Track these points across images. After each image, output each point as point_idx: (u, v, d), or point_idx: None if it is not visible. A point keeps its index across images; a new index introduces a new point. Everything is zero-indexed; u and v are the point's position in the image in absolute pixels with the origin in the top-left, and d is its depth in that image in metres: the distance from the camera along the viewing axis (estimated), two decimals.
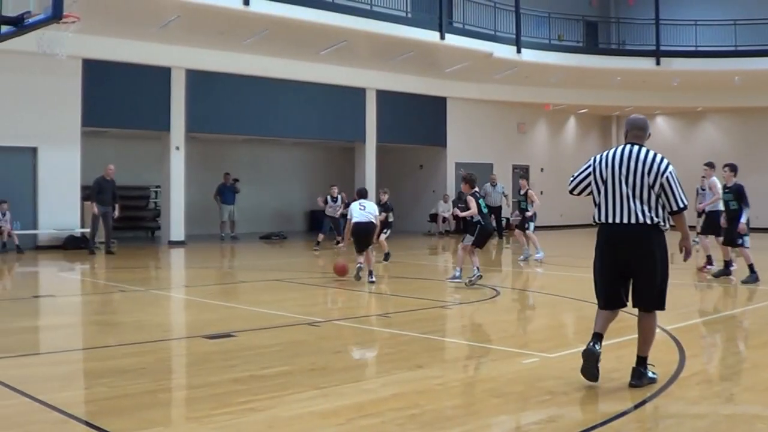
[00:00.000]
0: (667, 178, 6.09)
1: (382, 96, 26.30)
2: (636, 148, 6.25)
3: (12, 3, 8.64)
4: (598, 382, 6.11)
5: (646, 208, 6.09)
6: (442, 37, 23.89)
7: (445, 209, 27.36)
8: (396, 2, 23.31)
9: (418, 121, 27.67)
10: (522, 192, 18.27)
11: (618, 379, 6.56)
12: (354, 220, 13.64)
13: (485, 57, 25.56)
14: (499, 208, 25.80)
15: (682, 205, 6.13)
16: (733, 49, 27.75)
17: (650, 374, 6.30)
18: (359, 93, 25.92)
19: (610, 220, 6.21)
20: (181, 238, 22.07)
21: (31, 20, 8.54)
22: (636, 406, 5.72)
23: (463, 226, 14.17)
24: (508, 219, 26.32)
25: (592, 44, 29.69)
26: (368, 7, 22.37)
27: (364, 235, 13.67)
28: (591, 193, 6.40)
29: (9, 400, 5.77)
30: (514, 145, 30.97)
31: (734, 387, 6.47)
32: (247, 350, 7.72)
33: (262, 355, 7.46)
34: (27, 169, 19.65)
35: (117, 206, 19.23)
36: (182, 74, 21.91)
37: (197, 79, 22.15)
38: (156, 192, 24.67)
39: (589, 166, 6.43)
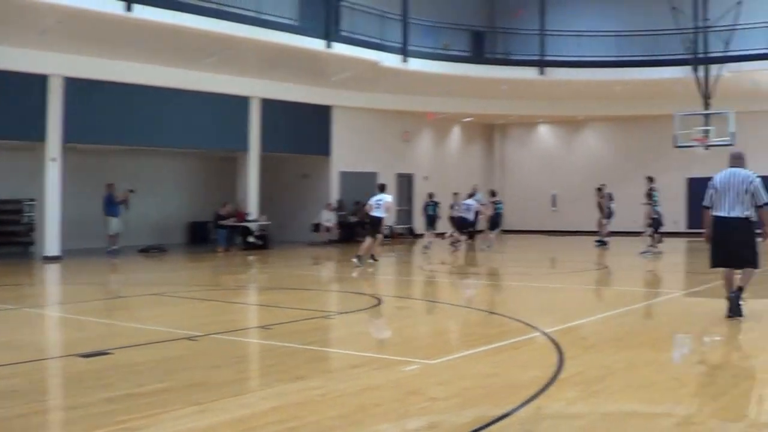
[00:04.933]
0: (755, 186, 9.57)
1: (267, 105, 26.04)
2: (737, 170, 9.80)
3: None
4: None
5: (743, 207, 9.58)
6: (329, 46, 23.88)
7: (329, 218, 27.23)
8: (284, 10, 23.09)
9: (303, 129, 27.49)
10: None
11: (496, 384, 6.64)
12: (371, 213, 18.44)
13: (372, 66, 25.66)
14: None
15: (763, 202, 9.57)
16: (614, 59, 28.64)
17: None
18: (243, 102, 25.60)
19: (722, 215, 9.67)
20: (57, 253, 21.19)
21: None
22: (516, 409, 5.78)
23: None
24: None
25: (478, 54, 30.03)
26: (255, 15, 22.09)
27: (374, 226, 18.45)
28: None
29: None
30: (398, 154, 31.16)
31: (611, 386, 6.65)
32: (122, 368, 7.46)
33: (138, 373, 7.22)
34: None
35: None
36: (60, 82, 21.05)
37: (76, 88, 21.31)
38: (30, 205, 23.65)
39: (712, 186, 9.84)
